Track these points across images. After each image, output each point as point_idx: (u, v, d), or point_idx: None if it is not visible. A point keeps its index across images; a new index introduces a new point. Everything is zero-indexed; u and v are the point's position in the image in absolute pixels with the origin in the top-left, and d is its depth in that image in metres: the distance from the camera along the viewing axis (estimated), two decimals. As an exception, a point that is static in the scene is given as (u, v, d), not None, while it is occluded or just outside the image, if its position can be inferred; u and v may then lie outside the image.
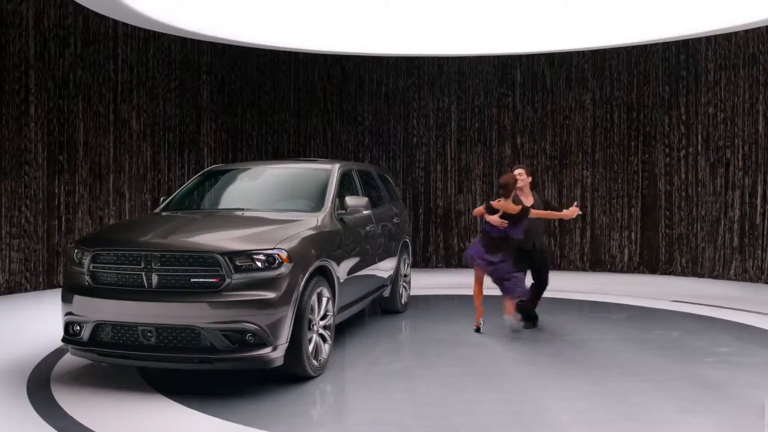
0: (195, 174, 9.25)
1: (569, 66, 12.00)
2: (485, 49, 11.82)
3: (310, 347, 5.12)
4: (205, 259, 4.73)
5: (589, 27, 10.55)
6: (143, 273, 4.78)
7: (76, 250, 5.13)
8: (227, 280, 4.68)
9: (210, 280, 4.70)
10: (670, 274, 11.34)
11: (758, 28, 10.37)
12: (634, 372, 5.46)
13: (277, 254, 4.80)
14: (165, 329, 4.69)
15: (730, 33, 10.63)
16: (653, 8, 9.58)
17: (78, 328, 4.93)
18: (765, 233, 10.42)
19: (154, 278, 4.76)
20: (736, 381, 5.23)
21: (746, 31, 10.52)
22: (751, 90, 10.56)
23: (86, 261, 4.98)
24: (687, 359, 5.86)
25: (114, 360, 4.94)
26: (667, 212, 11.41)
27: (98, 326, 4.84)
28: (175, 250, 4.79)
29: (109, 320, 4.79)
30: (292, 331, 4.87)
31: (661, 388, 5.02)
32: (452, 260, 12.41)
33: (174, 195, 6.52)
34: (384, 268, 7.27)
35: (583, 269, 11.92)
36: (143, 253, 4.81)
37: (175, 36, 11.16)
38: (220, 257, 4.69)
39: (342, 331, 6.78)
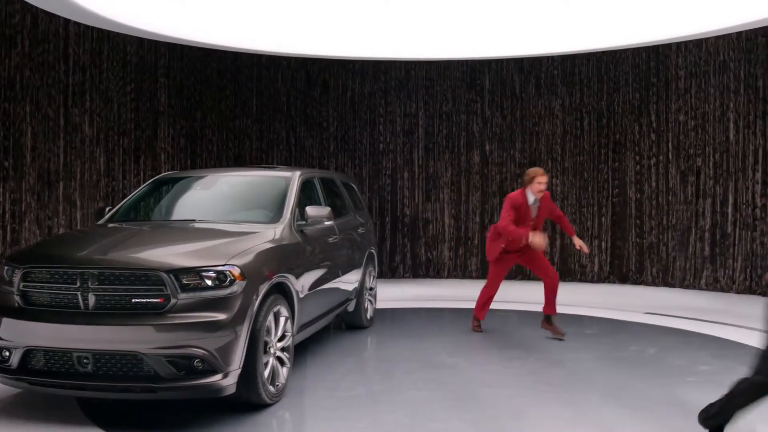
0: (150, 181, 8.76)
1: (538, 72, 11.77)
2: (453, 54, 11.54)
3: (266, 372, 4.69)
4: (148, 276, 4.28)
5: (558, 32, 10.33)
6: (79, 293, 4.31)
7: (6, 267, 4.64)
8: (172, 301, 4.23)
9: (153, 300, 4.25)
10: (640, 284, 11.14)
11: (728, 35, 10.25)
12: (615, 396, 5.13)
13: (229, 271, 4.38)
14: (103, 355, 4.22)
15: (701, 39, 10.50)
16: (623, 13, 9.38)
17: (6, 354, 4.43)
18: (736, 242, 10.27)
19: (91, 299, 4.30)
20: (721, 404, 4.92)
21: (716, 38, 10.39)
22: (721, 98, 10.43)
23: (16, 279, 4.50)
24: (668, 380, 5.57)
25: (47, 389, 4.45)
26: (638, 221, 11.22)
27: (29, 352, 4.36)
28: (115, 267, 4.33)
29: (41, 345, 4.32)
30: (246, 355, 4.44)
31: (645, 414, 4.71)
32: (419, 270, 12.07)
33: (120, 205, 6.05)
34: (348, 281, 6.88)
35: (553, 279, 11.65)
36: (78, 270, 4.34)
37: (131, 36, 10.65)
38: (164, 275, 4.25)
39: (303, 348, 6.37)
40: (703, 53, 10.58)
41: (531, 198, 6.94)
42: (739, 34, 10.14)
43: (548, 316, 7.14)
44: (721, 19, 9.54)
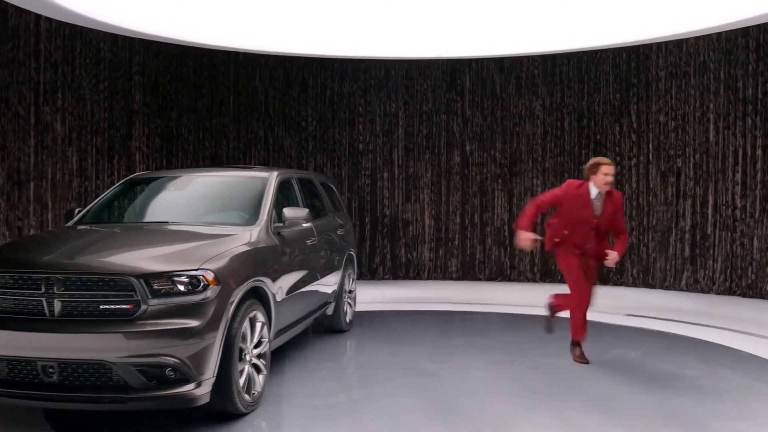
0: (123, 182, 8.52)
1: (519, 71, 11.68)
2: (434, 53, 11.41)
3: (242, 380, 4.52)
4: (117, 282, 4.09)
5: (539, 32, 10.25)
6: (44, 299, 4.11)
7: (-33, 272, 4.42)
8: (143, 307, 4.05)
9: (123, 306, 4.07)
10: (620, 284, 11.09)
11: (708, 36, 10.23)
12: (601, 402, 5.01)
13: (202, 276, 4.20)
14: (69, 365, 4.02)
15: (681, 40, 10.47)
16: (604, 13, 9.32)
17: (-33, 363, 4.22)
18: (716, 243, 10.25)
19: (57, 305, 4.10)
20: (713, 412, 4.81)
21: (696, 39, 10.37)
22: (701, 98, 10.40)
23: (-22, 285, 4.29)
24: (654, 385, 5.46)
25: (11, 401, 4.23)
26: (619, 222, 11.15)
27: (-9, 361, 4.16)
28: (82, 272, 4.13)
29: (4, 354, 4.11)
30: (220, 363, 4.27)
31: (632, 422, 4.59)
32: (399, 272, 11.93)
33: (91, 206, 5.84)
34: (327, 284, 6.73)
35: (534, 280, 11.59)
36: (43, 275, 4.14)
37: (104, 33, 10.39)
38: (134, 280, 4.07)
39: (281, 354, 6.20)
40: (684, 54, 10.56)
41: (594, 191, 5.88)
42: (719, 34, 10.13)
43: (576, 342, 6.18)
44: (701, 19, 9.52)
